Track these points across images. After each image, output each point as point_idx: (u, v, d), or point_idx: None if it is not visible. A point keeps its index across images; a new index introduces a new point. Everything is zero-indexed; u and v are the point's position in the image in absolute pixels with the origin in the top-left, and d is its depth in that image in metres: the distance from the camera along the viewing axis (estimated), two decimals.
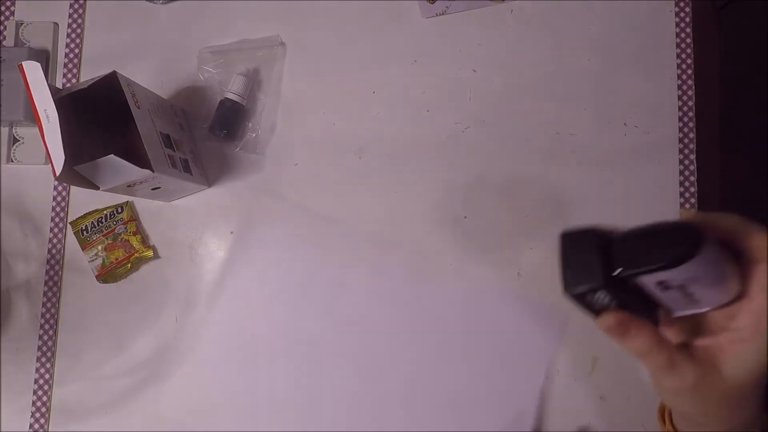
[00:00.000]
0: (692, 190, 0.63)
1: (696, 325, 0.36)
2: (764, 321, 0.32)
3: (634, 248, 0.32)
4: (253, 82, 0.66)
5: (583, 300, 0.33)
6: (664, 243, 0.31)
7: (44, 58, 0.67)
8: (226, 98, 0.64)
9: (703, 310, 0.34)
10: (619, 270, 0.31)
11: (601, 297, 0.33)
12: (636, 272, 0.31)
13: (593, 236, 0.34)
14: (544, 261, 0.63)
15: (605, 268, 0.32)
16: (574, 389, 0.61)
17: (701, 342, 0.35)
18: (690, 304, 0.34)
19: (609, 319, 0.34)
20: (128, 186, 0.53)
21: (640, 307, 0.34)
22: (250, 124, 0.66)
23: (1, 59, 0.64)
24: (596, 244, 0.33)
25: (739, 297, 0.34)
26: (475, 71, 0.66)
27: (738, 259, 0.33)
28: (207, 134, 0.65)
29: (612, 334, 0.34)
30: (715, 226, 0.33)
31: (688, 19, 0.66)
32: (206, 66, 0.66)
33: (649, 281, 0.32)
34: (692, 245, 0.29)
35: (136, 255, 0.63)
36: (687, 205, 0.63)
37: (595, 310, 0.34)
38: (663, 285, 0.32)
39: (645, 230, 0.32)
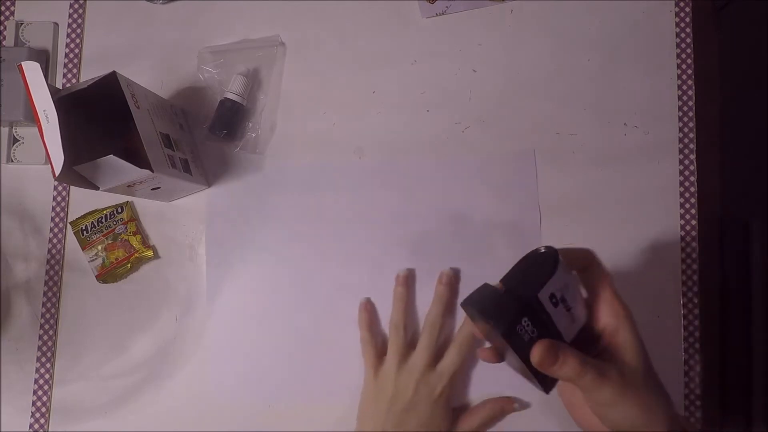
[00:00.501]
0: (692, 190, 0.64)
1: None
2: (620, 311, 0.42)
3: (523, 279, 0.41)
4: (253, 82, 0.66)
5: (515, 336, 0.39)
6: (539, 265, 0.41)
7: (44, 58, 0.67)
8: (226, 98, 0.64)
9: (581, 325, 0.42)
10: (525, 293, 0.40)
11: (528, 328, 0.39)
12: (536, 287, 0.39)
13: (488, 288, 0.43)
14: None
15: (515, 300, 0.40)
16: None
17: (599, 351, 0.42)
18: (572, 323, 0.42)
19: (540, 347, 0.39)
20: (128, 186, 0.53)
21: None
22: (250, 124, 0.66)
23: (1, 59, 0.64)
24: (495, 291, 0.42)
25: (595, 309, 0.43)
26: (475, 71, 0.66)
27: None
28: (207, 134, 0.65)
29: (544, 365, 0.39)
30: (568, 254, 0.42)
31: (688, 19, 0.66)
32: (206, 66, 0.66)
33: (544, 297, 0.39)
34: (554, 260, 0.40)
35: (136, 255, 0.63)
36: (687, 205, 0.63)
37: (525, 347, 0.40)
38: (553, 299, 0.40)
39: (522, 266, 0.43)
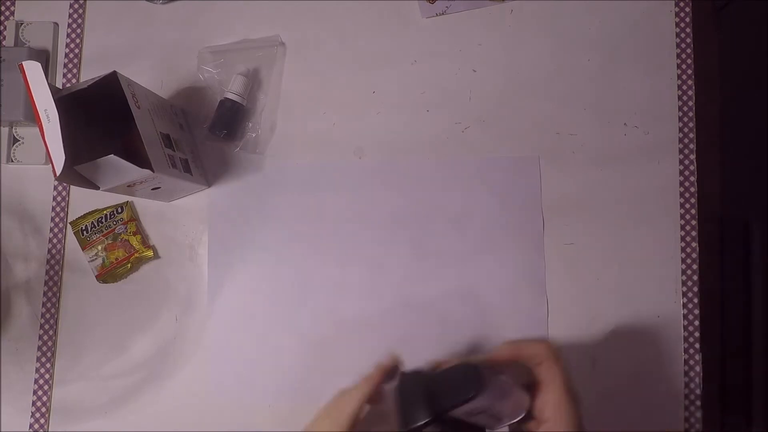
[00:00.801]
0: (692, 190, 0.63)
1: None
2: (562, 407, 0.43)
3: (442, 391, 0.40)
4: (253, 82, 0.66)
5: None
6: (459, 386, 0.40)
7: (44, 58, 0.67)
8: (226, 98, 0.64)
9: (506, 424, 0.44)
10: (428, 419, 0.40)
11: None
12: (443, 412, 0.40)
13: (419, 378, 0.43)
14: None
15: (429, 409, 0.40)
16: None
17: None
18: (498, 421, 0.43)
19: None
20: (128, 186, 0.53)
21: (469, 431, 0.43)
22: (250, 124, 0.66)
23: (1, 59, 0.64)
24: (422, 386, 0.42)
25: (531, 406, 0.44)
26: (475, 71, 0.66)
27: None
28: (207, 134, 0.65)
29: None
30: (519, 353, 0.44)
31: (688, 19, 0.66)
32: (206, 66, 0.66)
33: (460, 413, 0.40)
34: (476, 387, 0.38)
35: (136, 255, 0.63)
36: (687, 205, 0.63)
37: None
38: (470, 413, 0.40)
39: (445, 374, 0.42)
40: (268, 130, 0.66)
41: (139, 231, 0.64)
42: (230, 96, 0.64)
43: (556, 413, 0.43)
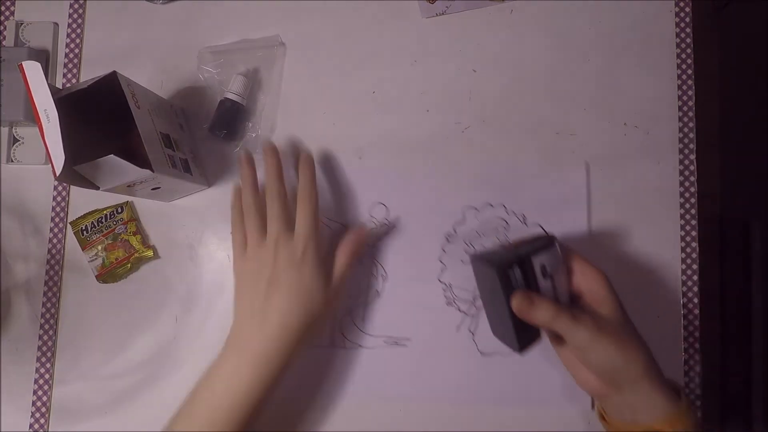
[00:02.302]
0: (692, 190, 0.63)
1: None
2: (594, 274, 0.50)
3: (522, 244, 0.52)
4: (253, 82, 0.66)
5: (505, 279, 0.47)
6: (539, 240, 0.51)
7: (44, 58, 0.67)
8: (226, 98, 0.64)
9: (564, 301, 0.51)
10: (520, 252, 0.49)
11: (517, 277, 0.48)
12: (531, 251, 0.48)
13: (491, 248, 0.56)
14: None
15: (511, 254, 0.49)
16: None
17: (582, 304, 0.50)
18: (555, 299, 0.49)
19: (518, 295, 0.47)
20: (128, 186, 0.53)
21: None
22: (250, 124, 0.66)
23: (1, 59, 0.64)
24: (495, 248, 0.55)
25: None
26: (475, 71, 0.66)
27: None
28: (207, 134, 0.65)
29: (522, 308, 0.47)
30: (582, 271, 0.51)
31: (688, 19, 0.66)
32: (206, 66, 0.66)
33: (536, 263, 0.48)
34: (551, 240, 0.50)
35: (136, 255, 0.63)
36: (687, 205, 0.63)
37: (511, 291, 0.48)
38: (543, 270, 0.48)
39: (525, 239, 0.53)
40: (268, 130, 0.66)
41: (139, 231, 0.64)
42: (230, 96, 0.64)
43: (589, 280, 0.50)
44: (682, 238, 0.63)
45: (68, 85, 0.68)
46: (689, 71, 0.65)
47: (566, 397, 0.61)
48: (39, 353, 0.64)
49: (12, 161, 0.66)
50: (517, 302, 0.47)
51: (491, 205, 0.63)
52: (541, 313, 0.46)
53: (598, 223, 0.63)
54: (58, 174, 0.46)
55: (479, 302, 0.62)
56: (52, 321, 0.64)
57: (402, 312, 0.63)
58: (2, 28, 0.68)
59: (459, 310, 0.62)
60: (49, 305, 0.65)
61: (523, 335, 0.49)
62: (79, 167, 0.48)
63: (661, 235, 0.63)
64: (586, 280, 0.50)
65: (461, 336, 0.62)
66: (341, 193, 0.65)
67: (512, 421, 0.61)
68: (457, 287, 0.63)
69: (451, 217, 0.64)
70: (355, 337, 0.63)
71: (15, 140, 0.66)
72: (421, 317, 0.63)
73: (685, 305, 0.62)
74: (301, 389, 0.62)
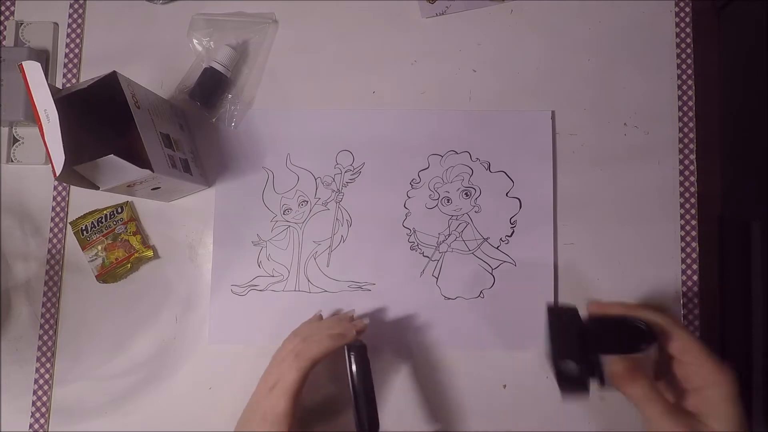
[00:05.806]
0: (692, 190, 0.64)
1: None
2: (715, 374, 0.41)
3: (604, 336, 0.43)
4: (240, 55, 0.66)
5: (559, 369, 0.42)
6: (627, 335, 0.42)
7: (44, 58, 0.67)
8: (210, 66, 0.64)
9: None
10: (595, 353, 0.42)
11: (573, 367, 0.42)
12: (605, 353, 0.43)
13: (573, 317, 0.44)
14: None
15: (581, 350, 0.42)
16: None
17: (688, 402, 0.43)
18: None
19: (618, 364, 0.42)
20: (128, 186, 0.53)
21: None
22: (230, 96, 0.66)
23: (1, 59, 0.64)
24: (576, 325, 0.44)
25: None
26: (475, 71, 0.66)
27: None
28: (186, 99, 0.65)
29: (621, 378, 0.42)
30: (653, 322, 0.43)
31: (688, 19, 0.66)
32: (197, 32, 0.66)
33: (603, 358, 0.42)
34: (649, 342, 0.42)
35: (136, 255, 0.63)
36: (687, 205, 0.63)
37: (565, 377, 0.43)
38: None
39: (612, 322, 0.44)
40: (246, 104, 0.66)
41: (139, 231, 0.64)
42: (214, 65, 0.64)
43: (706, 379, 0.42)
44: (682, 238, 0.63)
45: (68, 85, 0.68)
46: (689, 71, 0.65)
47: (525, 339, 0.62)
48: (39, 353, 0.64)
49: (12, 161, 0.66)
50: (615, 368, 0.42)
51: (455, 152, 0.64)
52: (637, 389, 0.42)
53: (599, 223, 0.63)
54: (58, 174, 0.46)
55: (443, 247, 0.62)
56: (52, 321, 0.64)
57: (366, 257, 0.64)
58: (2, 28, 0.68)
59: (423, 255, 0.63)
60: (49, 305, 0.65)
61: (576, 386, 0.44)
62: (79, 167, 0.48)
63: (661, 235, 0.63)
64: (699, 375, 0.42)
65: (425, 281, 0.63)
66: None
67: (475, 363, 0.62)
68: (421, 232, 0.64)
69: (416, 163, 0.64)
70: (321, 282, 0.64)
71: (15, 140, 0.66)
72: (385, 262, 0.64)
73: (685, 305, 0.62)
74: (265, 333, 0.61)
